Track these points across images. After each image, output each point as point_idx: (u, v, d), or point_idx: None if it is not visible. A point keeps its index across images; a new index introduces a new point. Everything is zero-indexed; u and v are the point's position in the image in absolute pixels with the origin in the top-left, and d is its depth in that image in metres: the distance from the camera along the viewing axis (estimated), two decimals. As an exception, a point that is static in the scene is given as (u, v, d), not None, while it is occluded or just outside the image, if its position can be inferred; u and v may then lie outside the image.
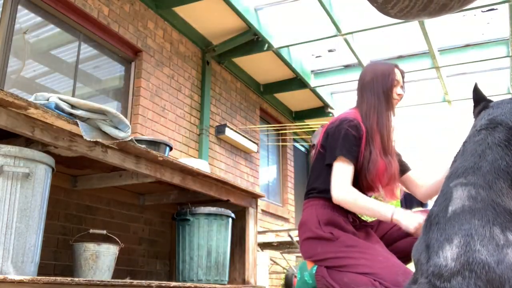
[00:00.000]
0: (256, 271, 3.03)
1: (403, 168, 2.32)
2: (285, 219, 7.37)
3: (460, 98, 7.17)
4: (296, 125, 7.96)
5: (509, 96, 7.03)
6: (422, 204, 5.05)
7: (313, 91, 7.04)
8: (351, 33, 5.54)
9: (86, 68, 4.42)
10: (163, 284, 2.09)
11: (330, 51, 6.35)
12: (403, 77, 2.28)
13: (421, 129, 9.28)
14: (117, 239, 2.48)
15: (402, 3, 1.62)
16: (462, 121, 6.95)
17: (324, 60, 6.66)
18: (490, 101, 1.67)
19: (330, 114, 7.53)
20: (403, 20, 4.54)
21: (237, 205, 2.96)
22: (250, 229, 3.04)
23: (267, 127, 7.38)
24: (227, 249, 2.80)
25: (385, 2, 1.65)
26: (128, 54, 4.80)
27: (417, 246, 1.32)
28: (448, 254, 1.16)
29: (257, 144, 6.68)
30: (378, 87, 2.21)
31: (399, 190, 2.30)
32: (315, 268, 2.06)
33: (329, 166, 2.09)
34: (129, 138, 2.03)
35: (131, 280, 1.95)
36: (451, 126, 8.62)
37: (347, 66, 6.72)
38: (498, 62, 6.34)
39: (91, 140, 1.87)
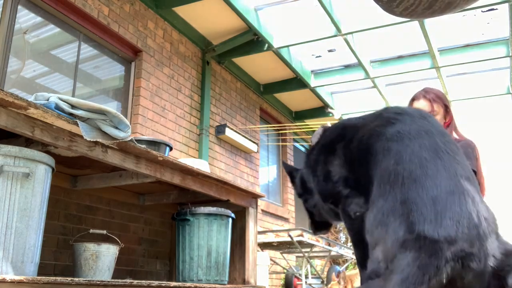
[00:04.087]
0: (256, 271, 3.03)
1: None
2: (285, 219, 7.36)
3: (460, 98, 7.17)
4: (296, 125, 7.96)
5: (509, 96, 7.03)
6: None
7: (313, 91, 7.04)
8: (351, 33, 5.54)
9: (86, 68, 4.42)
10: (163, 284, 2.09)
11: (330, 51, 6.35)
12: None
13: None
14: (117, 239, 2.47)
15: (407, 1, 1.61)
16: (462, 121, 6.94)
17: (324, 60, 6.66)
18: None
19: (330, 114, 7.53)
20: (408, 19, 4.52)
21: (237, 205, 2.96)
22: (250, 229, 3.04)
23: (267, 127, 7.38)
24: (227, 249, 2.79)
25: (390, 0, 1.64)
26: (128, 54, 4.80)
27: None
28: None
29: (257, 144, 6.68)
30: None
31: None
32: None
33: None
34: (129, 138, 2.03)
35: (131, 280, 1.95)
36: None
37: (347, 66, 6.72)
38: (498, 62, 6.33)
39: (91, 140, 1.87)
